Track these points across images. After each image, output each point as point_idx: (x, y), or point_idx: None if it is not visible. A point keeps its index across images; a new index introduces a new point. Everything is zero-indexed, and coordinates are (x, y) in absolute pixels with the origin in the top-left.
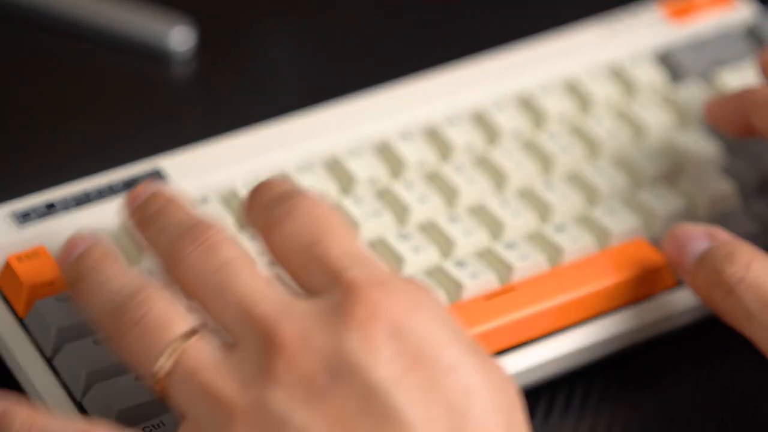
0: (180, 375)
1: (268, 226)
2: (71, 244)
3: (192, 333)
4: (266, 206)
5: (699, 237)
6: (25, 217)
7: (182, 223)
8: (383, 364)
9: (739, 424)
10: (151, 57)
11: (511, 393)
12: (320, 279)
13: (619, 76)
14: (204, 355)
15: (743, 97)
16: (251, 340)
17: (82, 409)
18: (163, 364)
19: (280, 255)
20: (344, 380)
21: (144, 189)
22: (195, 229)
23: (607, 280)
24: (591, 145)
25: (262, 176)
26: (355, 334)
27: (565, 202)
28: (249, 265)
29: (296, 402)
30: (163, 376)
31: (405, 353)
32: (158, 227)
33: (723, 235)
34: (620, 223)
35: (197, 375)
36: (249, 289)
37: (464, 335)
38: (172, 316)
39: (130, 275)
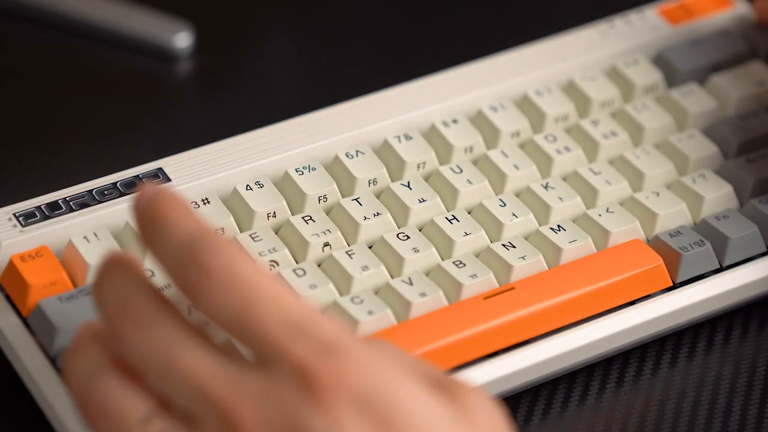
0: None
1: (188, 293)
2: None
3: (151, 415)
4: (176, 267)
5: None
6: (28, 218)
7: (118, 300)
8: None
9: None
10: (152, 60)
11: (498, 422)
12: (264, 353)
13: (618, 77)
14: None
15: None
16: (211, 421)
17: None
18: None
19: (214, 322)
20: None
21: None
22: (131, 308)
23: (606, 279)
24: (590, 146)
25: (261, 177)
26: (318, 413)
27: (564, 202)
28: (188, 335)
29: None
30: None
31: (374, 421)
32: (103, 295)
33: None
34: (619, 224)
35: None
36: (195, 365)
37: (431, 377)
38: (132, 398)
39: (89, 365)
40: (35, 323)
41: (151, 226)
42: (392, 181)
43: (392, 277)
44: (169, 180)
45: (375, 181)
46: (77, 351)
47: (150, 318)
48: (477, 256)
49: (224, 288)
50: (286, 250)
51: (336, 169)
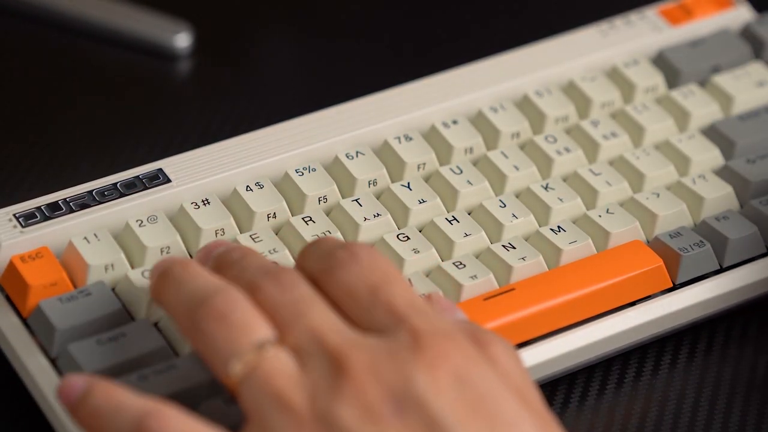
0: (257, 379)
1: (330, 267)
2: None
3: (269, 341)
4: (328, 251)
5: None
6: (28, 218)
7: (264, 267)
8: (448, 405)
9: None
10: (152, 60)
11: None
12: (384, 320)
13: (618, 78)
14: (280, 365)
15: None
16: (322, 363)
17: None
18: (242, 365)
19: (339, 295)
20: (409, 412)
21: (219, 242)
22: (276, 271)
23: (606, 280)
24: (590, 147)
25: (261, 178)
26: (423, 372)
27: (564, 203)
28: (322, 304)
29: (361, 422)
30: (238, 376)
31: (468, 400)
32: (240, 267)
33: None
34: (619, 225)
35: (272, 381)
36: (321, 322)
37: (527, 391)
38: (256, 320)
39: (213, 278)
40: (35, 324)
41: (314, 241)
42: (392, 181)
43: None
44: (169, 180)
45: (375, 182)
46: (187, 265)
47: (295, 283)
48: (477, 257)
49: (366, 267)
50: (287, 251)
51: (336, 169)
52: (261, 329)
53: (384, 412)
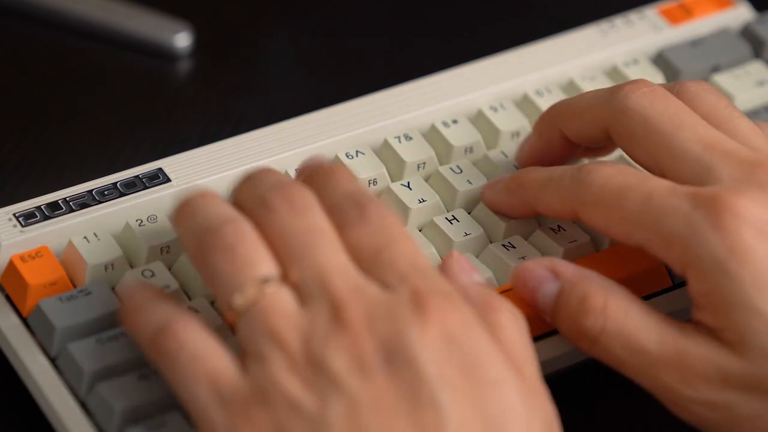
0: (255, 314)
1: (341, 224)
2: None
3: (272, 278)
4: (338, 204)
5: (546, 278)
6: (28, 218)
7: (278, 182)
8: (436, 363)
9: None
10: (152, 60)
11: (551, 421)
12: (388, 278)
13: (618, 77)
14: (280, 303)
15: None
16: (322, 306)
17: (84, 408)
18: (243, 299)
19: (350, 252)
20: (397, 366)
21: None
22: (290, 189)
23: None
24: None
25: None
26: (416, 330)
27: None
28: (333, 239)
29: (350, 371)
30: (239, 309)
31: (456, 360)
32: (253, 183)
33: (568, 270)
34: None
35: (269, 318)
36: (330, 261)
37: (524, 362)
38: (262, 255)
39: (227, 208)
40: (35, 323)
41: (319, 173)
42: (392, 181)
43: None
44: (169, 180)
45: (375, 182)
46: (205, 196)
47: (305, 207)
48: (477, 257)
49: (374, 228)
50: None
51: None
52: (265, 265)
53: (373, 363)
